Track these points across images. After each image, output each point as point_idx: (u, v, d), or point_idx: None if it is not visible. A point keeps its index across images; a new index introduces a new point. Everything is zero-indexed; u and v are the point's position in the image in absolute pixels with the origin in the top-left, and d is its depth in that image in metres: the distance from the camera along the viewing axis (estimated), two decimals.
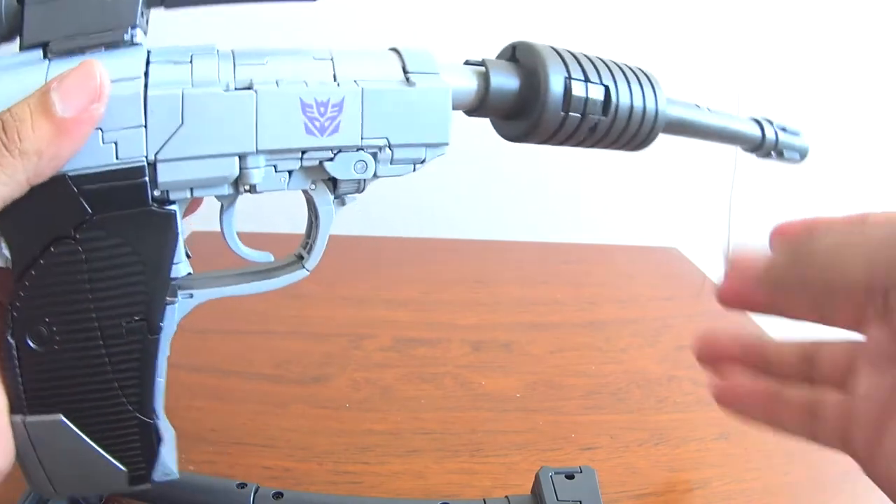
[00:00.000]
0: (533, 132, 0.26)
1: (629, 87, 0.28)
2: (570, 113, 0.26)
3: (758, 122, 0.36)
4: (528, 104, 0.26)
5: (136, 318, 0.22)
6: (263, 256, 0.26)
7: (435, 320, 0.56)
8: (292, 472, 0.37)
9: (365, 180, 0.24)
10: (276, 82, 0.21)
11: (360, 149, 0.23)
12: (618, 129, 0.28)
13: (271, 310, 0.55)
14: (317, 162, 0.23)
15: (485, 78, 0.25)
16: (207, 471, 0.36)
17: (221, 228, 0.25)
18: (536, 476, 0.31)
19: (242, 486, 0.30)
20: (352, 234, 0.75)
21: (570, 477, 0.31)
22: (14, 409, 0.22)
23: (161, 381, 0.24)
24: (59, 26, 0.19)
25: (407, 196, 0.97)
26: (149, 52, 0.21)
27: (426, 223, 0.99)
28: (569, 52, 0.27)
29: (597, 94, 0.27)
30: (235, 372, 0.47)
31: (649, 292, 0.67)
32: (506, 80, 0.26)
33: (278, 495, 0.30)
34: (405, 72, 0.23)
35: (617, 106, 0.27)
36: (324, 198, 0.25)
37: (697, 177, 1.01)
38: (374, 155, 0.23)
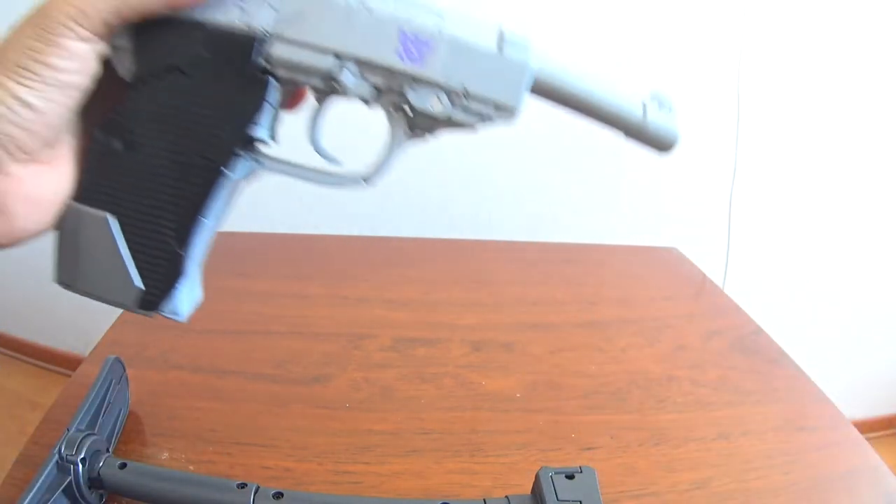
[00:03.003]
0: None
1: None
2: None
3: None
4: None
5: (209, 155, 0.25)
6: (335, 159, 0.28)
7: (435, 320, 0.56)
8: (292, 472, 0.37)
9: (435, 124, 0.27)
10: (391, 11, 0.25)
11: (439, 87, 0.26)
12: None
13: (272, 310, 0.55)
14: (399, 87, 0.26)
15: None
16: (207, 471, 0.36)
17: (310, 127, 0.28)
18: (536, 476, 0.31)
19: (242, 486, 0.30)
20: (352, 234, 0.75)
21: (570, 477, 0.31)
22: (75, 195, 0.26)
23: (208, 223, 0.26)
24: None
25: (407, 196, 0.97)
26: None
27: (426, 223, 0.99)
28: None
29: None
30: (235, 372, 0.47)
31: (649, 292, 0.67)
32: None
33: (278, 495, 0.30)
34: (500, 40, 0.26)
35: None
36: (398, 124, 0.27)
37: (697, 177, 1.01)
38: (451, 98, 0.26)
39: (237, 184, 0.27)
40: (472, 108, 0.26)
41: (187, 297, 0.27)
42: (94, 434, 0.32)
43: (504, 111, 0.27)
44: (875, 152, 1.04)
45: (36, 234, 0.26)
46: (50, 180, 0.26)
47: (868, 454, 0.44)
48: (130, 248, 0.26)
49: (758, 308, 0.66)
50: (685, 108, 0.96)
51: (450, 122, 0.27)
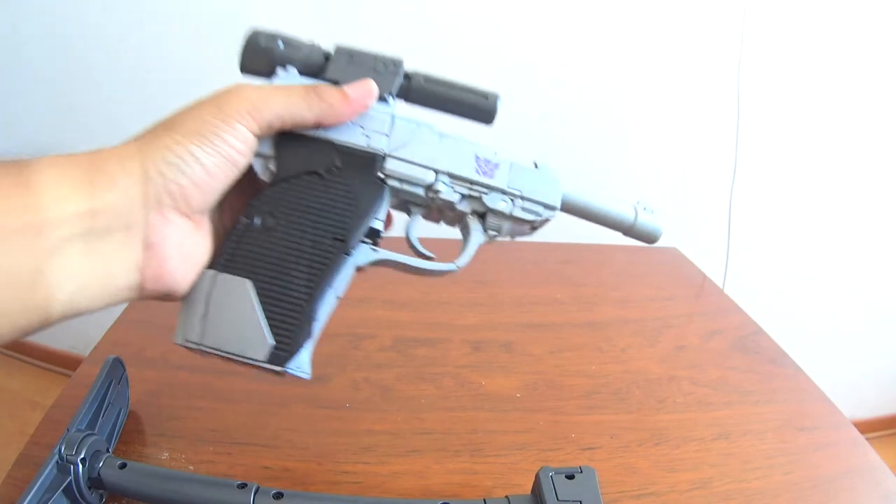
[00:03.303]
0: None
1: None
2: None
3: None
4: None
5: (338, 237, 0.32)
6: (430, 255, 0.36)
7: (435, 320, 0.56)
8: (292, 472, 0.37)
9: (503, 222, 0.36)
10: (466, 145, 0.36)
11: (504, 192, 0.35)
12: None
13: None
14: (478, 193, 0.35)
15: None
16: (207, 471, 0.37)
17: (407, 232, 0.36)
18: (536, 476, 0.31)
19: (242, 486, 0.30)
20: None
21: (570, 477, 0.31)
22: (211, 264, 0.30)
23: (332, 293, 0.31)
24: (347, 77, 0.33)
25: None
26: (394, 114, 0.35)
27: (426, 223, 0.99)
28: None
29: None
30: (235, 372, 0.46)
31: (649, 292, 0.67)
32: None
33: (278, 495, 0.30)
34: (535, 164, 0.37)
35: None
36: (476, 225, 0.36)
37: (697, 177, 1.01)
38: (513, 200, 0.35)
39: (355, 266, 0.33)
40: (527, 207, 0.36)
41: (308, 356, 0.31)
42: (94, 434, 0.32)
43: (549, 208, 0.36)
44: (875, 152, 1.04)
45: (176, 287, 0.29)
46: (196, 240, 0.30)
47: (868, 454, 0.44)
48: (266, 309, 0.30)
49: (758, 308, 0.66)
50: (685, 108, 0.96)
51: (513, 218, 0.36)
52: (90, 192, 0.26)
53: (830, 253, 1.14)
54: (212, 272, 0.30)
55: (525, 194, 0.36)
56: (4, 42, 0.94)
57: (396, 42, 0.85)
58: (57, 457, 0.30)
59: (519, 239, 0.38)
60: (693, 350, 0.56)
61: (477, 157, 0.36)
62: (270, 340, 0.29)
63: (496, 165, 0.36)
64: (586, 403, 0.46)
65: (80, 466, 0.30)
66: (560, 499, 0.30)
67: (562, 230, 1.04)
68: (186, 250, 0.29)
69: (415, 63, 0.35)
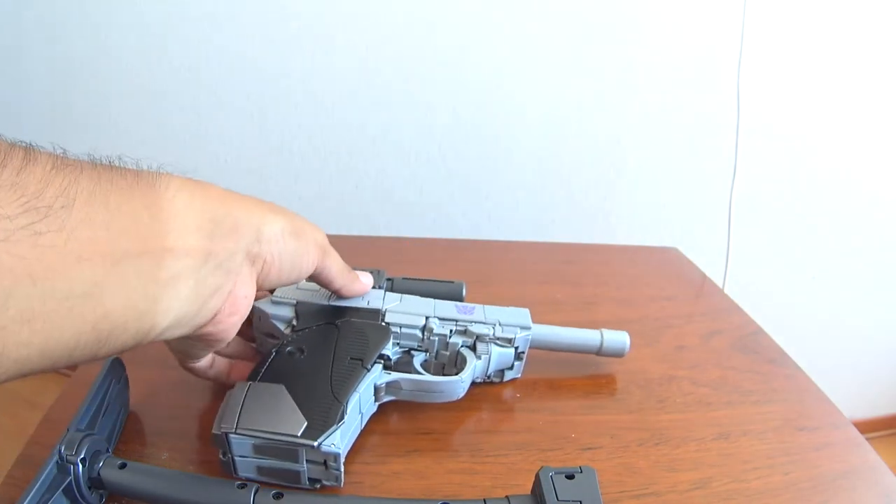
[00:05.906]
0: None
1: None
2: None
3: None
4: None
5: (355, 357, 0.39)
6: (429, 375, 0.43)
7: None
8: None
9: (489, 345, 0.45)
10: (446, 301, 0.47)
11: (484, 323, 0.45)
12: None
13: None
14: (464, 327, 0.45)
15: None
16: (207, 471, 0.36)
17: (413, 366, 0.43)
18: (536, 476, 0.31)
19: (242, 486, 0.30)
20: (352, 234, 0.75)
21: (570, 477, 0.31)
22: (250, 378, 0.37)
23: (355, 395, 0.37)
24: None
25: (407, 196, 0.97)
26: (385, 293, 0.47)
27: (426, 223, 0.99)
28: None
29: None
30: None
31: (649, 292, 0.67)
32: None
33: (278, 495, 0.30)
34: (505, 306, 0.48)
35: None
36: (468, 352, 0.44)
37: (697, 177, 1.01)
38: (493, 327, 0.45)
39: (374, 383, 0.40)
40: (506, 329, 0.45)
41: (342, 437, 0.35)
42: (93, 434, 0.32)
43: (524, 329, 0.46)
44: (875, 152, 1.04)
45: (224, 336, 0.32)
46: (249, 310, 0.33)
47: (868, 454, 0.44)
48: (297, 404, 0.35)
49: (758, 308, 0.66)
50: (685, 108, 0.96)
51: (496, 339, 0.45)
52: (212, 231, 0.28)
53: (830, 253, 1.14)
54: (247, 383, 0.36)
55: (501, 321, 0.46)
56: (4, 42, 0.94)
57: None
58: (57, 457, 0.30)
59: (508, 370, 0.47)
60: (693, 350, 0.56)
61: (456, 305, 0.47)
62: (304, 420, 0.34)
63: (473, 308, 0.46)
64: (586, 403, 0.46)
65: (80, 466, 0.30)
66: (560, 499, 0.30)
67: (562, 229, 1.04)
68: (244, 312, 0.32)
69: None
